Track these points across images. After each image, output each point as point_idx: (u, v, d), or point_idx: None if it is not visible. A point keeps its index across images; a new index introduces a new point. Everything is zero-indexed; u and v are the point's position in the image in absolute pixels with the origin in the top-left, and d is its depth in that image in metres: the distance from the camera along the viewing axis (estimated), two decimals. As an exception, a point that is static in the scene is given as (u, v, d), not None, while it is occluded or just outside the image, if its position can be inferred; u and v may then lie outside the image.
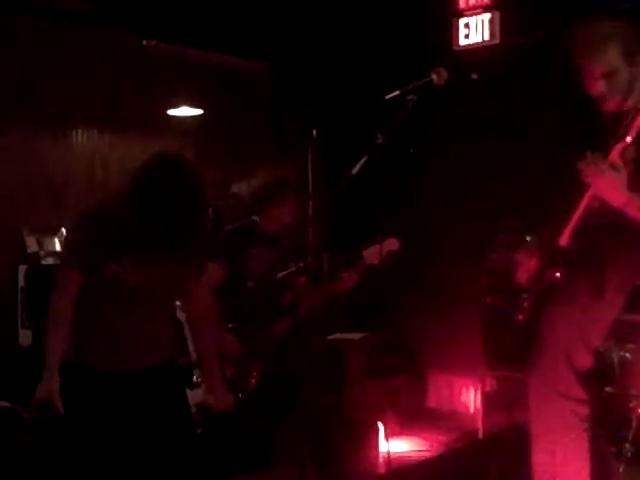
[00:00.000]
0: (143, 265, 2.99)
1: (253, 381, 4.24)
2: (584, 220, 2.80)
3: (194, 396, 3.65)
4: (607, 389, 3.65)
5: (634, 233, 2.77)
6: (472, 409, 6.29)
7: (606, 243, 2.85)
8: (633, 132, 2.65)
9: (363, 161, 3.14)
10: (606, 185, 2.71)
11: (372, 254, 4.21)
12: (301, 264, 3.30)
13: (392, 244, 4.26)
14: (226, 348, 4.23)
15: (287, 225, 4.38)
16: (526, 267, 3.06)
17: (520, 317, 3.08)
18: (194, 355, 3.62)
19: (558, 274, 2.89)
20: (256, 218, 4.41)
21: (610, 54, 2.85)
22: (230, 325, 4.26)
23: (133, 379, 3.08)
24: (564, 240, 2.82)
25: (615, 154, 2.69)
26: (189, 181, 2.98)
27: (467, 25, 6.03)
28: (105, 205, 3.11)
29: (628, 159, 2.75)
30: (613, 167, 2.68)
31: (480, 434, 5.47)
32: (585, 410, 2.94)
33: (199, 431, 4.27)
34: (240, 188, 4.52)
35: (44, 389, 2.90)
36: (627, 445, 3.50)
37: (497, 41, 5.91)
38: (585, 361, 2.95)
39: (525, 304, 3.06)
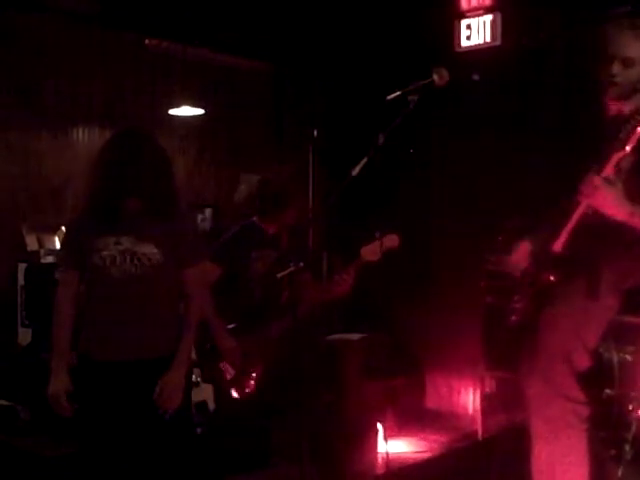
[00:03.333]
0: (114, 243, 3.09)
1: (252, 382, 4.23)
2: (580, 225, 2.80)
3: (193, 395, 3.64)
4: (607, 391, 3.64)
5: (627, 236, 2.78)
6: (471, 410, 6.29)
7: (600, 246, 2.86)
8: (633, 141, 2.64)
9: (364, 162, 3.13)
10: (603, 201, 2.72)
11: (371, 251, 4.13)
12: (301, 264, 3.28)
13: (392, 240, 4.16)
14: (227, 351, 4.22)
15: (289, 225, 4.36)
16: (514, 264, 3.08)
17: (513, 318, 3.08)
18: (194, 354, 3.63)
19: (552, 277, 2.91)
20: (256, 219, 4.41)
21: (637, 46, 2.87)
22: (230, 326, 4.26)
23: (128, 370, 3.10)
24: (558, 246, 2.84)
25: (609, 168, 2.69)
26: (135, 142, 3.19)
27: (469, 26, 6.03)
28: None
29: (625, 167, 2.75)
30: (607, 182, 2.69)
31: (479, 435, 5.47)
32: (585, 411, 2.95)
33: (199, 430, 4.28)
34: (241, 191, 4.49)
35: (48, 391, 3.07)
36: (627, 447, 3.49)
37: (499, 43, 5.91)
38: (583, 362, 2.96)
39: (518, 306, 3.06)
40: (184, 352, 3.21)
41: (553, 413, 2.92)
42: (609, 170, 2.69)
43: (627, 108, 2.94)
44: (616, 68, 2.92)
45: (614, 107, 2.98)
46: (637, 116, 2.65)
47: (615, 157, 2.69)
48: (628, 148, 2.65)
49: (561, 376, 2.93)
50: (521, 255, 3.11)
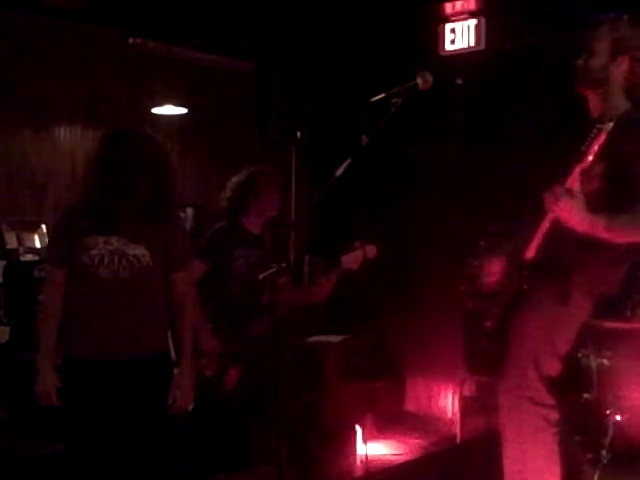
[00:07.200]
0: (104, 246, 3.04)
1: (232, 381, 4.23)
2: (551, 231, 2.82)
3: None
4: (585, 395, 3.66)
5: (599, 242, 2.79)
6: (450, 414, 6.31)
7: (571, 250, 2.88)
8: (594, 151, 2.66)
9: (347, 163, 3.14)
10: (564, 212, 2.74)
11: (351, 260, 4.20)
12: (282, 265, 3.28)
13: (370, 251, 4.25)
14: (206, 349, 4.22)
15: (273, 218, 4.37)
16: (490, 272, 3.10)
17: (488, 323, 3.10)
18: (174, 354, 3.61)
19: (525, 286, 2.93)
20: (240, 219, 4.41)
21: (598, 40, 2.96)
22: (210, 325, 4.26)
23: (111, 370, 3.07)
24: (530, 253, 2.86)
25: (573, 180, 2.71)
26: (131, 141, 3.14)
27: (453, 30, 6.05)
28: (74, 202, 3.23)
29: (595, 175, 2.77)
30: (568, 193, 2.70)
31: (458, 439, 5.49)
32: (554, 415, 2.97)
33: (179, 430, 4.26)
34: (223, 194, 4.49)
35: (37, 389, 3.06)
36: (604, 452, 3.52)
37: (482, 47, 5.94)
38: (553, 367, 2.98)
39: (493, 311, 3.08)
40: (187, 355, 3.21)
41: (522, 417, 2.94)
42: (572, 181, 2.71)
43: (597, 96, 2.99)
44: (581, 60, 2.99)
45: (585, 94, 3.02)
46: (598, 126, 2.67)
47: (578, 168, 2.71)
48: (590, 158, 2.67)
49: (531, 381, 2.95)
50: (495, 268, 3.13)
